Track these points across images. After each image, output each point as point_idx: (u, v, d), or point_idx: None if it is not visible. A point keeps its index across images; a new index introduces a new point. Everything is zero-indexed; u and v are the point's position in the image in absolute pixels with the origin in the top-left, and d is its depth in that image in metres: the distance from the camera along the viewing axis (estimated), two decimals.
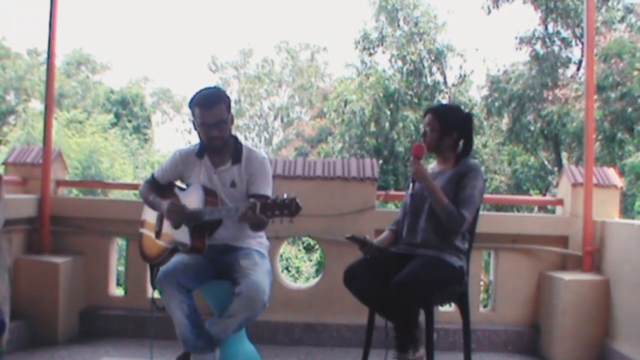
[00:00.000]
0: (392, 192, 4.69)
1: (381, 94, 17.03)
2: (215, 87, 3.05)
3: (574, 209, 4.23)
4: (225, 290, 2.85)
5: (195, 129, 3.00)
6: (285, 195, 2.59)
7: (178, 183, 3.16)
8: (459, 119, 3.12)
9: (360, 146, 17.32)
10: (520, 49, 15.62)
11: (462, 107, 3.42)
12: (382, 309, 2.97)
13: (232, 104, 3.03)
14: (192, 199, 2.93)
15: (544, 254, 4.27)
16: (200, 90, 2.98)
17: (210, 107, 2.90)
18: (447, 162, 3.11)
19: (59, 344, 3.91)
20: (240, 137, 3.17)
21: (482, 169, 3.13)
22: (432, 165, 3.22)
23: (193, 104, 2.95)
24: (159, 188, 3.13)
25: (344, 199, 4.22)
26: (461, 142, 3.10)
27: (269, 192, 2.94)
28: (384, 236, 3.20)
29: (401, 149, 16.82)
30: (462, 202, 2.93)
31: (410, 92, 17.10)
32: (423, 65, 17.30)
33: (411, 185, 3.08)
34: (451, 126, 3.06)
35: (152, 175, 3.18)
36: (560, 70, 15.20)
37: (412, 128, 16.67)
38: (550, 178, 15.38)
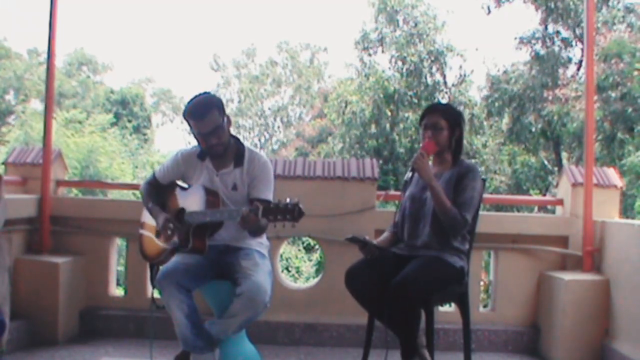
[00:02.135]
0: (392, 192, 4.68)
1: (381, 95, 17.03)
2: (204, 94, 2.98)
3: (574, 209, 4.23)
4: (225, 291, 2.85)
5: (195, 138, 2.99)
6: (288, 200, 2.59)
7: (180, 182, 3.15)
8: (459, 116, 3.13)
9: (361, 147, 17.32)
10: (520, 49, 15.65)
11: (463, 108, 3.45)
12: (382, 312, 2.96)
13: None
14: (193, 199, 2.93)
15: (544, 254, 4.27)
16: (191, 100, 2.94)
17: (203, 116, 2.86)
18: (444, 163, 3.09)
19: (59, 344, 3.90)
20: (241, 137, 3.15)
21: (479, 168, 3.11)
22: None
23: (186, 115, 2.92)
24: (160, 188, 3.13)
25: (344, 199, 4.21)
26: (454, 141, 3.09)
27: (270, 197, 2.93)
28: (384, 237, 3.20)
29: (401, 149, 16.82)
30: (463, 205, 2.92)
31: (410, 93, 17.10)
32: (423, 66, 17.29)
33: (410, 174, 3.04)
34: (456, 124, 3.06)
35: (154, 174, 3.17)
36: (561, 70, 15.20)
37: (413, 129, 16.65)
38: (550, 178, 15.39)
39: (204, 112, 2.87)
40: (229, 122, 2.99)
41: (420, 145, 3.05)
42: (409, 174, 3.06)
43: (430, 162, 3.12)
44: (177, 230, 2.87)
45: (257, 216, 2.61)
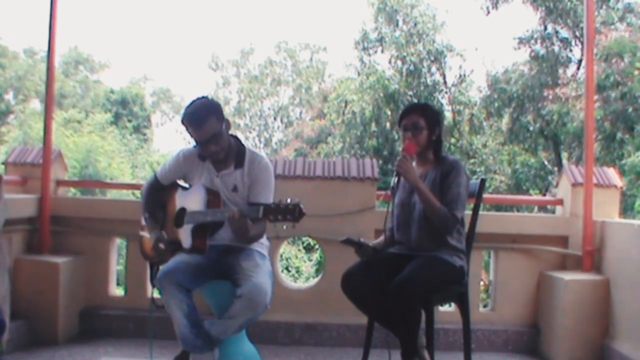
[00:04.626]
0: None
1: (381, 95, 17.03)
2: (202, 99, 2.94)
3: (574, 209, 4.23)
4: (225, 291, 2.85)
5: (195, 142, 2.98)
6: (289, 200, 2.59)
7: (181, 182, 3.14)
8: (438, 115, 3.13)
9: (361, 146, 17.31)
10: (520, 49, 15.65)
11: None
12: (381, 314, 2.96)
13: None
14: (194, 199, 2.93)
15: (544, 254, 4.27)
16: (189, 106, 2.91)
17: (201, 125, 2.83)
18: (427, 163, 3.07)
19: (59, 344, 3.90)
20: (241, 137, 3.14)
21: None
22: None
23: (184, 122, 2.89)
24: (161, 189, 3.12)
25: (344, 199, 4.21)
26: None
27: (270, 200, 2.89)
28: (380, 239, 3.19)
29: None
30: (451, 203, 2.90)
31: (410, 93, 17.08)
32: (423, 66, 17.28)
33: (396, 179, 3.02)
34: (435, 123, 3.05)
35: (155, 175, 3.16)
36: (561, 70, 15.19)
37: None
38: (550, 178, 15.36)
39: (202, 121, 2.83)
40: (228, 125, 2.95)
41: (401, 147, 3.04)
42: (394, 179, 3.01)
43: (414, 163, 3.08)
44: (167, 253, 2.90)
45: (245, 217, 2.63)
